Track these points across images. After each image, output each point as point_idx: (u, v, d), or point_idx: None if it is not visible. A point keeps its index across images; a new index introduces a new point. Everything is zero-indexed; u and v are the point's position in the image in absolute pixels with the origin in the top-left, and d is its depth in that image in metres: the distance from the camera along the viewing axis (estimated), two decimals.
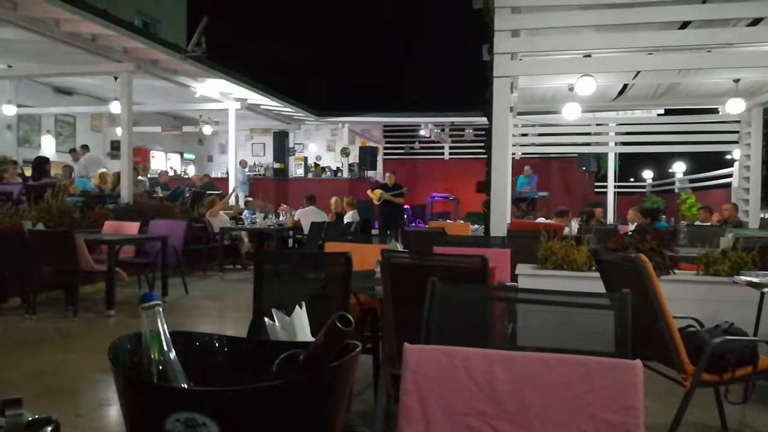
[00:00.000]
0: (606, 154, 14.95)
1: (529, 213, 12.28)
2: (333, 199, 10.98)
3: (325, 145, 18.13)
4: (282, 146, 16.68)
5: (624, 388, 1.32)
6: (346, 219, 10.48)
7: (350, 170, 16.76)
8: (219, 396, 0.77)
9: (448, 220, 13.77)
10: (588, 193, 15.96)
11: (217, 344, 0.98)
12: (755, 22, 5.73)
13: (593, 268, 4.18)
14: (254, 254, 9.58)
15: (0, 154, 10.53)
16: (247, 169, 15.92)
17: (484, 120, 8.05)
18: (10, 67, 10.77)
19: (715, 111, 10.55)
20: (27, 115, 12.80)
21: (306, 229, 9.57)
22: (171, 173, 15.55)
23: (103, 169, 11.01)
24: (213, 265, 9.53)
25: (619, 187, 16.13)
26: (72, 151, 12.83)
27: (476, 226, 10.45)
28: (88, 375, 4.09)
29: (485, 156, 6.54)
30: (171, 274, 7.21)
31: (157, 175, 13.91)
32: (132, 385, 0.82)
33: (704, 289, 4.15)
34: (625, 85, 8.93)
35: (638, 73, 7.84)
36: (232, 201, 11.94)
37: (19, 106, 12.10)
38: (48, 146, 13.10)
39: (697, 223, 9.64)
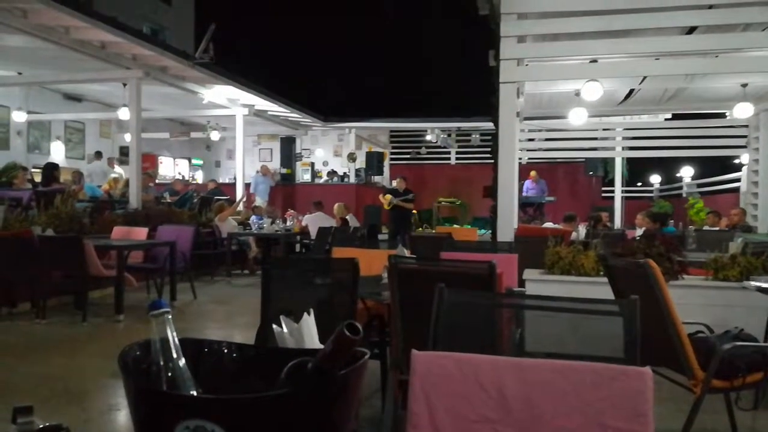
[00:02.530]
0: (613, 159, 14.92)
1: (536, 218, 12.25)
2: (336, 205, 11.03)
3: (332, 150, 18.18)
4: (289, 152, 16.74)
5: (634, 394, 1.31)
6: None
7: (357, 175, 16.79)
8: (228, 404, 0.77)
9: (455, 225, 13.77)
10: (595, 198, 15.91)
11: (226, 351, 0.99)
12: (762, 26, 5.70)
13: (601, 273, 4.16)
14: (262, 260, 9.67)
15: (10, 160, 10.61)
16: (269, 176, 15.32)
17: (490, 125, 8.07)
18: (20, 74, 10.87)
19: (722, 115, 10.50)
20: (37, 122, 12.90)
21: (313, 234, 9.59)
22: (180, 178, 15.61)
23: (115, 174, 11.12)
24: (221, 271, 9.56)
25: (627, 191, 16.07)
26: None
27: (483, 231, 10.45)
28: (97, 380, 4.11)
29: (492, 161, 6.54)
30: (179, 279, 7.24)
31: (170, 182, 13.99)
32: (141, 393, 0.83)
33: (713, 294, 4.13)
34: (632, 90, 8.91)
35: (645, 78, 7.82)
36: (240, 207, 11.98)
37: (29, 112, 12.20)
38: (57, 152, 13.20)
39: (706, 227, 9.58)
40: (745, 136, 9.92)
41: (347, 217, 10.80)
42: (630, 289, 2.74)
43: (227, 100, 12.59)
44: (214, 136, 14.61)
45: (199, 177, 17.37)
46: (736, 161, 12.00)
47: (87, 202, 9.29)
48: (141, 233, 7.23)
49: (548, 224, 9.78)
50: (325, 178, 17.09)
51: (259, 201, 13.94)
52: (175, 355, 0.87)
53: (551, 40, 6.35)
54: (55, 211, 7.10)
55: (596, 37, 6.14)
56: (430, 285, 1.79)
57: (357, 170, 16.88)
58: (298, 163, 17.14)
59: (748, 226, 8.46)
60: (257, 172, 15.35)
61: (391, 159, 18.47)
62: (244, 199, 12.49)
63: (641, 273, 2.77)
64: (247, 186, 14.11)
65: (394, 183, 12.96)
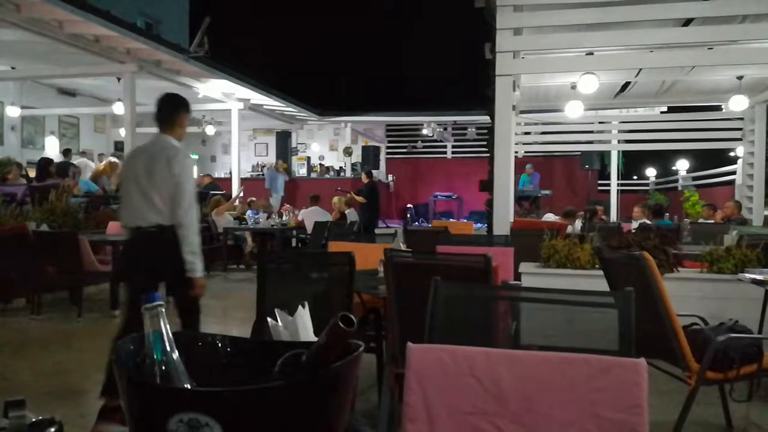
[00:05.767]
0: (609, 152, 14.93)
1: (531, 211, 12.26)
2: (335, 198, 11.00)
3: (327, 144, 18.14)
4: (285, 146, 16.70)
5: (628, 386, 1.32)
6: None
7: (353, 170, 16.76)
8: (222, 396, 0.77)
9: (451, 219, 13.78)
10: (591, 191, 15.93)
11: (219, 344, 0.98)
12: (758, 18, 5.71)
13: (597, 266, 4.17)
14: (258, 254, 9.65)
15: (4, 155, 10.56)
16: (283, 171, 15.23)
17: (486, 118, 8.04)
18: (13, 68, 10.79)
19: (718, 108, 10.51)
20: (31, 117, 12.84)
21: (309, 228, 9.58)
22: None
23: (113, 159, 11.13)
24: (217, 265, 9.55)
25: (623, 185, 16.09)
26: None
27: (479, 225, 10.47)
28: (93, 375, 4.10)
29: (488, 155, 6.53)
30: None
31: None
32: (135, 386, 0.82)
33: (708, 286, 4.14)
34: (627, 83, 8.91)
35: (641, 70, 7.82)
36: (236, 202, 11.96)
37: (22, 107, 12.13)
38: (52, 147, 13.14)
39: (701, 220, 9.60)
40: (740, 129, 9.93)
41: (347, 211, 10.75)
42: (625, 282, 2.74)
43: (222, 95, 12.54)
44: (210, 130, 14.56)
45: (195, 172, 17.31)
46: (732, 154, 12.03)
47: (82, 198, 9.26)
48: None
49: (549, 216, 9.78)
50: (317, 172, 17.07)
51: (276, 197, 13.97)
52: (168, 348, 0.87)
53: (547, 33, 6.34)
54: (50, 207, 7.09)
55: (592, 29, 6.13)
56: (426, 278, 1.79)
57: (353, 164, 16.85)
58: (294, 158, 17.10)
59: (743, 219, 8.49)
60: (269, 168, 15.32)
61: (387, 153, 18.46)
62: (241, 194, 12.46)
63: (636, 265, 2.78)
64: (257, 181, 14.12)
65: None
